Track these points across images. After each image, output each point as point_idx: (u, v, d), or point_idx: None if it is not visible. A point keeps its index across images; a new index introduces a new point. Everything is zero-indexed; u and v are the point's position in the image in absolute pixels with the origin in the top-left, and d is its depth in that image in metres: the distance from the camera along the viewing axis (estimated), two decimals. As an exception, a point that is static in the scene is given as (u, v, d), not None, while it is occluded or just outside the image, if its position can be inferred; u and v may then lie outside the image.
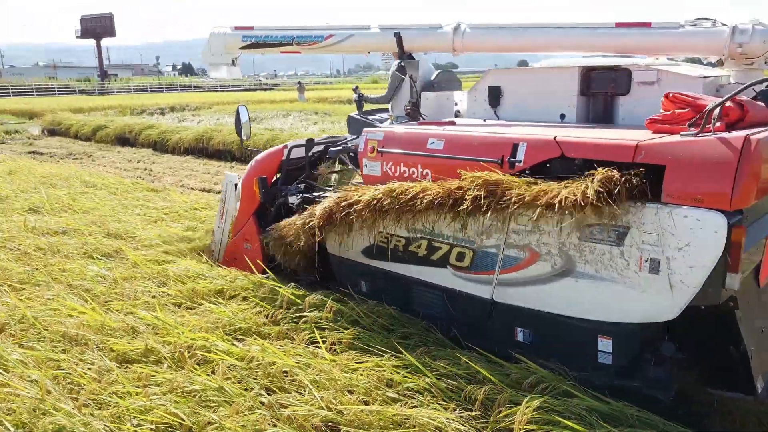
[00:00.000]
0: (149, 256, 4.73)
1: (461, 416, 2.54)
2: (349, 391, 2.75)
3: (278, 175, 4.64)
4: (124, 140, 17.19)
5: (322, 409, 2.59)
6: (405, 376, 2.82)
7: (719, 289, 2.48)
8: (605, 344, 2.82)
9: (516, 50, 4.57)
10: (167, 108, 27.17)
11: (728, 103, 2.68)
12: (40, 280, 4.26)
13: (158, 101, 30.31)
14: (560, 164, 2.84)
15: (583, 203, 2.58)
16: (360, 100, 5.00)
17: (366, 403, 2.66)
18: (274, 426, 2.48)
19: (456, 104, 4.41)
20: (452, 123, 3.87)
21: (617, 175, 2.57)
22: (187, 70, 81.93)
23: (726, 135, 2.51)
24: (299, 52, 5.05)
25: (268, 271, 4.12)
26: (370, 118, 4.85)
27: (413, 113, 4.44)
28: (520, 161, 2.95)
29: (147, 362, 3.08)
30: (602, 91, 3.57)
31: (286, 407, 2.61)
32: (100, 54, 61.43)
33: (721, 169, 2.41)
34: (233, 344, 3.19)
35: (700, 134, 2.59)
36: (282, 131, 15.53)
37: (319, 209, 3.56)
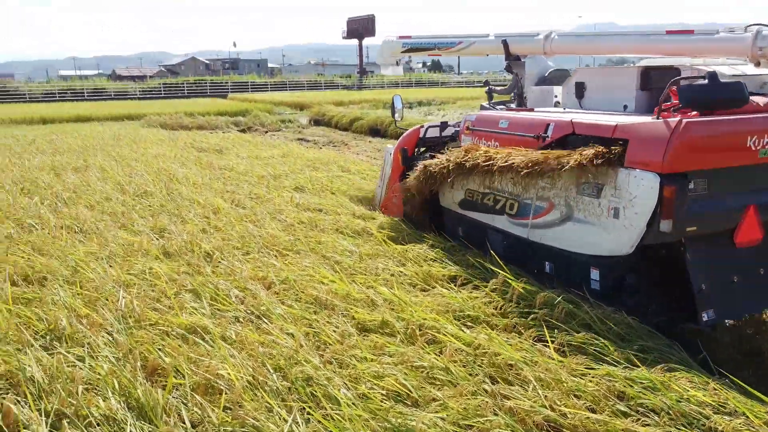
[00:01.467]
0: (391, 235, 5.08)
1: (704, 446, 2.27)
2: (575, 396, 2.64)
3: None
4: (375, 131, 18.63)
5: (545, 407, 2.53)
6: (639, 392, 2.62)
7: (657, 231, 3.28)
8: (595, 273, 3.66)
9: (589, 53, 5.86)
10: (415, 102, 28.68)
11: None
12: (300, 248, 4.85)
13: (407, 96, 32.12)
14: (573, 139, 3.76)
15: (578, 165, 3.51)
16: (490, 93, 6.05)
17: (593, 411, 2.53)
18: (495, 415, 2.50)
19: (556, 96, 5.15)
20: (531, 110, 4.69)
21: (592, 152, 3.44)
22: (435, 66, 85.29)
23: (670, 118, 3.30)
24: (440, 55, 6.68)
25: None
26: (497, 107, 5.69)
27: (518, 103, 5.54)
28: (548, 136, 3.91)
29: (382, 333, 3.33)
30: (657, 87, 4.02)
31: (508, 399, 2.61)
32: (360, 53, 66.93)
33: (658, 142, 3.22)
34: (462, 329, 3.28)
35: (659, 117, 3.38)
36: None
37: (500, 158, 4.13)
